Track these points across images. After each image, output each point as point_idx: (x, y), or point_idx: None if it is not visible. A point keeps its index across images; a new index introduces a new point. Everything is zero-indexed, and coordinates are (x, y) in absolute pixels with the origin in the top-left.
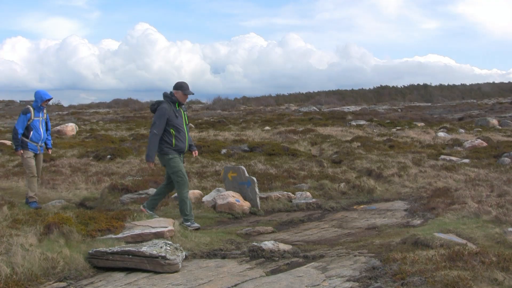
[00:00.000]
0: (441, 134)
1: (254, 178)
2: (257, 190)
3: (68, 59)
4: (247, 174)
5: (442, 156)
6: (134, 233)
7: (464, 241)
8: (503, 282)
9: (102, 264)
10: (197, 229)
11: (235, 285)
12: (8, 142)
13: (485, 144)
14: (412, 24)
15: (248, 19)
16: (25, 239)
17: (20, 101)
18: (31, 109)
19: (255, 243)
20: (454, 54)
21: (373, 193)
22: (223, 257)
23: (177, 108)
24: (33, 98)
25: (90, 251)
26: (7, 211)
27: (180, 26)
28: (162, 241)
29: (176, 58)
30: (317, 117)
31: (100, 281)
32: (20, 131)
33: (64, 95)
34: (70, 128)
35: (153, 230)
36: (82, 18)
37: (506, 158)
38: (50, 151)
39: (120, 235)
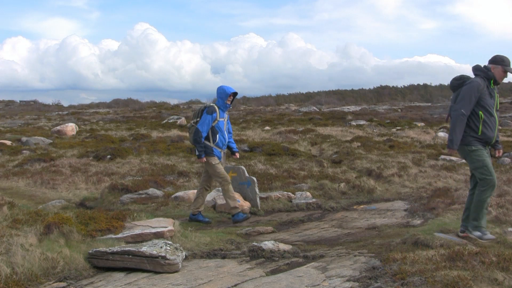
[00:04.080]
0: (441, 134)
1: (254, 178)
2: (257, 190)
3: (68, 59)
4: (247, 174)
5: (442, 156)
6: (134, 233)
7: (464, 241)
8: (503, 282)
9: (102, 264)
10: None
11: (235, 285)
12: (8, 142)
13: None
14: (411, 24)
15: (247, 19)
16: (25, 239)
17: (20, 101)
18: (217, 108)
19: (255, 243)
20: (454, 54)
21: (373, 193)
22: (223, 257)
23: (492, 87)
24: (33, 98)
25: (90, 251)
26: (7, 211)
27: (180, 26)
28: (162, 241)
29: (176, 58)
30: (317, 117)
31: (100, 281)
32: (204, 134)
33: (64, 95)
34: (70, 128)
35: (153, 230)
36: (82, 19)
37: (506, 158)
38: (238, 155)
39: (120, 235)
